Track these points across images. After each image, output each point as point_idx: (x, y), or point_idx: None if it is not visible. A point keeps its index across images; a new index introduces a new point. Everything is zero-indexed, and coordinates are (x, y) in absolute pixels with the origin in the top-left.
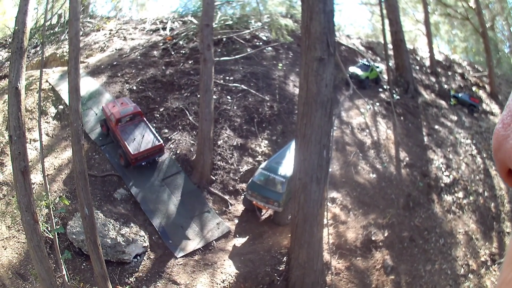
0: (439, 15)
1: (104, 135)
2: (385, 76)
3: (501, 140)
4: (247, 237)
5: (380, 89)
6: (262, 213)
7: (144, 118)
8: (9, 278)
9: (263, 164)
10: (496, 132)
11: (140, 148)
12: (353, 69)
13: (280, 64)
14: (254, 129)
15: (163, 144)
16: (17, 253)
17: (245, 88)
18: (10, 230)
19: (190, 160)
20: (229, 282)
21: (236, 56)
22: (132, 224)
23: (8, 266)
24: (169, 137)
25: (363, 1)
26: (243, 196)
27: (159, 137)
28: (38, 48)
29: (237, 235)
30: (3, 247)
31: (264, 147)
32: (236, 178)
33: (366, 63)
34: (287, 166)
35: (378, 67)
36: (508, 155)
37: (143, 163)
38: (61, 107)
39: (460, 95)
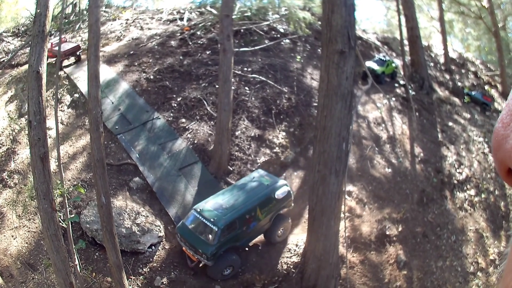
0: (453, 12)
1: (121, 124)
2: (402, 72)
3: (500, 140)
4: None
5: (396, 84)
6: (193, 263)
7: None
8: (17, 268)
9: (199, 204)
10: (496, 132)
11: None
12: (369, 63)
13: (299, 57)
14: (272, 120)
15: (80, 45)
16: (27, 243)
17: (263, 79)
18: (20, 219)
19: (207, 150)
20: (244, 273)
21: (255, 48)
22: (147, 214)
23: (17, 256)
24: (187, 127)
25: None
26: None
27: (79, 44)
28: (52, 37)
29: None
30: (12, 236)
31: (282, 138)
32: (253, 169)
33: (383, 58)
34: (230, 210)
35: (393, 62)
36: (507, 154)
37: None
38: (76, 95)
39: (473, 93)
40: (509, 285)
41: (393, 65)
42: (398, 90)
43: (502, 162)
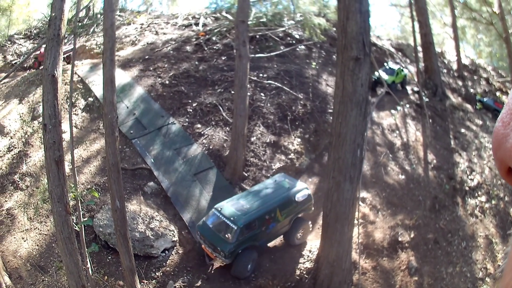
0: (465, 19)
1: (136, 129)
2: (415, 78)
3: (500, 139)
4: None
5: (410, 91)
6: (211, 261)
7: None
8: (27, 270)
9: (220, 203)
10: (496, 131)
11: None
12: (378, 73)
13: (314, 63)
14: (287, 126)
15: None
16: (37, 245)
17: (279, 85)
18: (32, 221)
19: (222, 155)
20: (257, 278)
21: (271, 54)
22: (161, 218)
23: (27, 258)
24: (202, 132)
25: (393, 2)
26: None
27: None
28: (66, 40)
29: None
30: (23, 238)
31: (297, 145)
32: (268, 175)
33: (392, 66)
34: (250, 210)
35: (403, 70)
36: (508, 154)
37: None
38: (90, 99)
39: (485, 99)
40: (509, 284)
41: (403, 73)
42: (411, 97)
43: (502, 161)
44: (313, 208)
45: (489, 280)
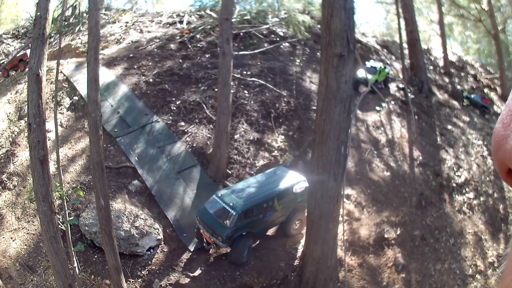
0: (453, 15)
1: (120, 127)
2: (401, 75)
3: (500, 140)
4: None
5: (395, 88)
6: (209, 246)
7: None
8: (16, 270)
9: (220, 190)
10: (496, 132)
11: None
12: (361, 73)
13: (298, 60)
14: (271, 124)
15: (26, 53)
16: (26, 245)
17: (263, 83)
18: (19, 221)
19: (206, 153)
20: (242, 276)
21: (255, 51)
22: (146, 217)
23: (16, 258)
24: (186, 130)
25: None
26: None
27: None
28: (52, 39)
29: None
30: (11, 238)
31: (281, 142)
32: (252, 172)
33: (374, 65)
34: (249, 197)
35: (385, 68)
36: (508, 155)
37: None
38: (75, 98)
39: (472, 96)
40: (509, 286)
41: (386, 70)
42: (397, 94)
43: (502, 162)
44: None
45: (479, 277)
